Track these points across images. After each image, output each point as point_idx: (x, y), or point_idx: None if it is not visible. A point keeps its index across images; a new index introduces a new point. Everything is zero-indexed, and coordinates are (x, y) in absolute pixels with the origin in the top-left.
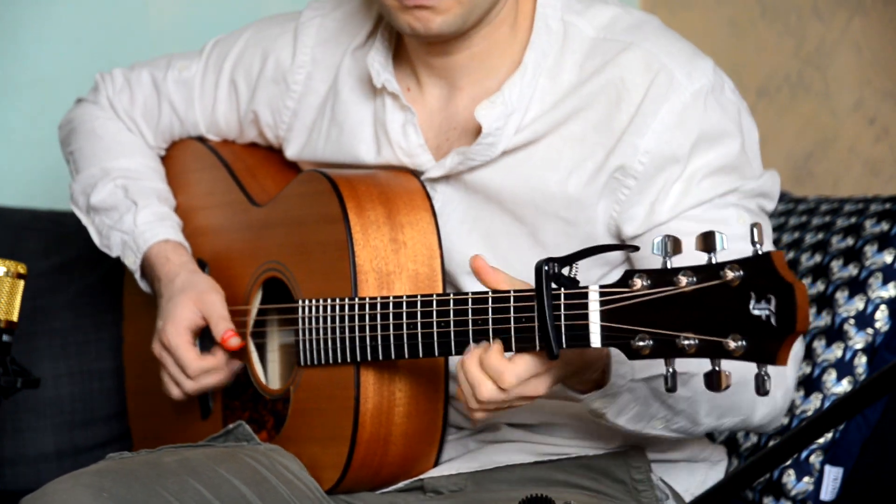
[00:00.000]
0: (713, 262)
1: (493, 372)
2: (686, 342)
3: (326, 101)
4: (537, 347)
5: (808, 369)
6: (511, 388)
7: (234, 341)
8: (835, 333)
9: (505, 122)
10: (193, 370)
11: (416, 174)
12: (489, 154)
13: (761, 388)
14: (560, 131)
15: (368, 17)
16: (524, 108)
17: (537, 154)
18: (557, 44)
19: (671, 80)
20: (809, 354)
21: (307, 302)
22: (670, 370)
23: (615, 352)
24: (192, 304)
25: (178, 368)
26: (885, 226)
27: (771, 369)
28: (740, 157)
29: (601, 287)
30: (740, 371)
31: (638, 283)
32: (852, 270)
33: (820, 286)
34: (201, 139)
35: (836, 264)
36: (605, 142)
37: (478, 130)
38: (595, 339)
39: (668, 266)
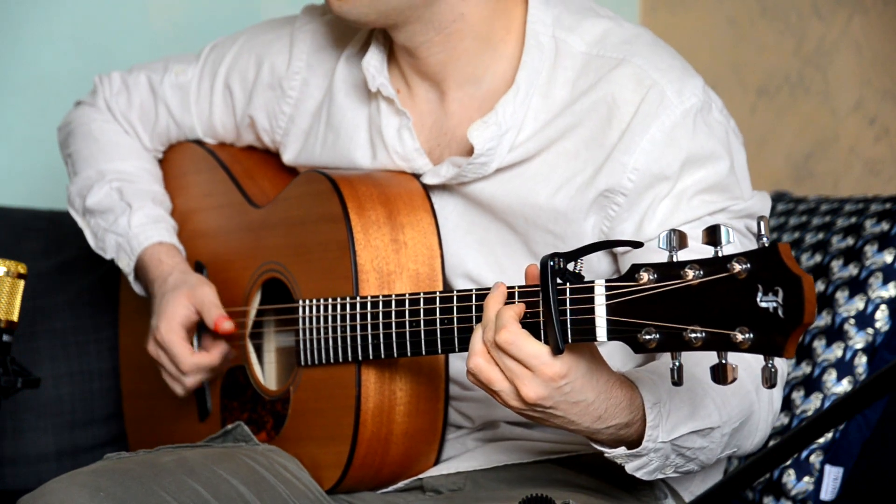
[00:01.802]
0: (720, 255)
1: (500, 321)
2: (693, 335)
3: (322, 106)
4: (543, 341)
5: (808, 369)
6: (503, 346)
7: (227, 325)
8: (835, 333)
9: (498, 143)
10: (187, 366)
11: (414, 176)
12: (482, 172)
13: (769, 380)
14: (553, 148)
15: None
16: (518, 127)
17: (530, 169)
18: (549, 61)
19: (662, 97)
20: (809, 354)
21: (307, 302)
22: (677, 363)
23: (650, 417)
24: (184, 299)
25: (173, 365)
26: (885, 226)
27: (763, 397)
28: (729, 177)
29: (607, 281)
30: (743, 408)
31: (644, 276)
32: (852, 270)
33: (820, 286)
34: (199, 142)
35: (836, 264)
36: (595, 158)
37: (468, 141)
38: (601, 334)
39: (674, 260)
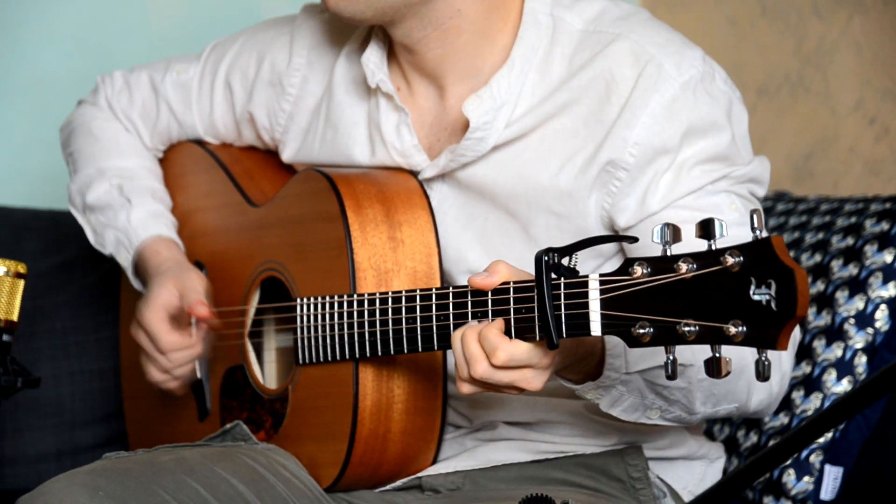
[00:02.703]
0: (713, 248)
1: (488, 345)
2: (686, 329)
3: (321, 103)
4: (537, 337)
5: (808, 369)
6: (501, 365)
7: (201, 309)
8: (835, 333)
9: (494, 117)
10: (164, 343)
11: (412, 173)
12: (479, 149)
13: (762, 373)
14: (551, 125)
15: None
16: (513, 102)
17: (529, 148)
18: (546, 38)
19: (660, 71)
20: (809, 354)
21: (305, 300)
22: (670, 357)
23: (610, 344)
24: (170, 284)
25: (151, 345)
26: (885, 225)
27: (770, 354)
28: (730, 147)
29: (601, 275)
30: (735, 358)
31: (638, 270)
32: (852, 270)
33: (820, 286)
34: (199, 142)
35: (836, 264)
36: (596, 135)
37: (467, 126)
38: (595, 328)
39: (668, 253)
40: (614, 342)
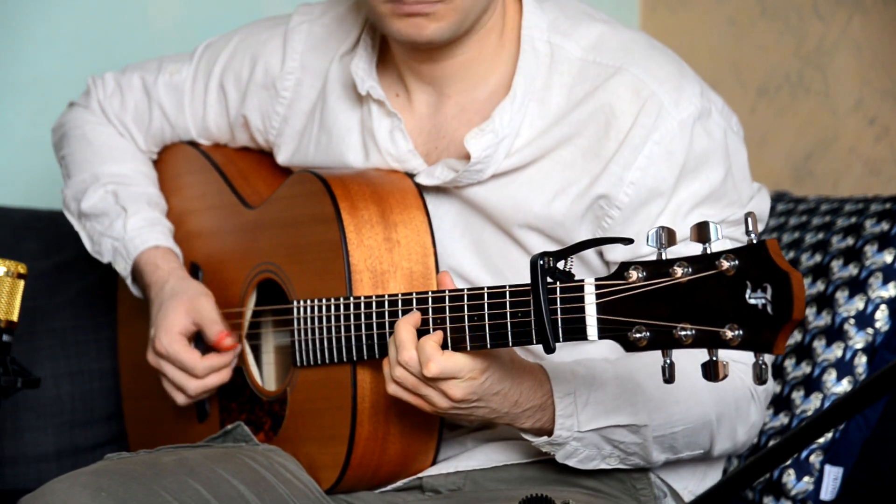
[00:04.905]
0: (708, 252)
1: (423, 356)
2: (683, 333)
3: (316, 107)
4: (534, 342)
5: (808, 369)
6: (433, 377)
7: (228, 341)
8: (835, 333)
9: (495, 150)
10: (201, 369)
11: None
12: (478, 178)
13: (759, 377)
14: (550, 156)
15: (356, 22)
16: (514, 133)
17: (525, 176)
18: (545, 66)
19: (660, 108)
20: (809, 354)
21: (302, 302)
22: (668, 361)
23: (561, 405)
24: (182, 310)
25: (181, 373)
26: (885, 226)
27: (741, 408)
28: (725, 182)
29: (597, 280)
30: (699, 416)
31: (634, 275)
32: (852, 270)
33: (820, 286)
34: (193, 143)
35: (836, 264)
36: (593, 168)
37: (463, 144)
38: (592, 332)
39: (663, 257)
40: (566, 403)
